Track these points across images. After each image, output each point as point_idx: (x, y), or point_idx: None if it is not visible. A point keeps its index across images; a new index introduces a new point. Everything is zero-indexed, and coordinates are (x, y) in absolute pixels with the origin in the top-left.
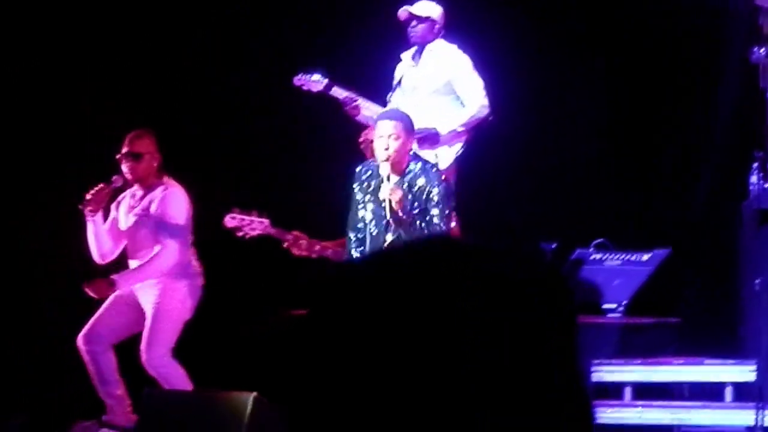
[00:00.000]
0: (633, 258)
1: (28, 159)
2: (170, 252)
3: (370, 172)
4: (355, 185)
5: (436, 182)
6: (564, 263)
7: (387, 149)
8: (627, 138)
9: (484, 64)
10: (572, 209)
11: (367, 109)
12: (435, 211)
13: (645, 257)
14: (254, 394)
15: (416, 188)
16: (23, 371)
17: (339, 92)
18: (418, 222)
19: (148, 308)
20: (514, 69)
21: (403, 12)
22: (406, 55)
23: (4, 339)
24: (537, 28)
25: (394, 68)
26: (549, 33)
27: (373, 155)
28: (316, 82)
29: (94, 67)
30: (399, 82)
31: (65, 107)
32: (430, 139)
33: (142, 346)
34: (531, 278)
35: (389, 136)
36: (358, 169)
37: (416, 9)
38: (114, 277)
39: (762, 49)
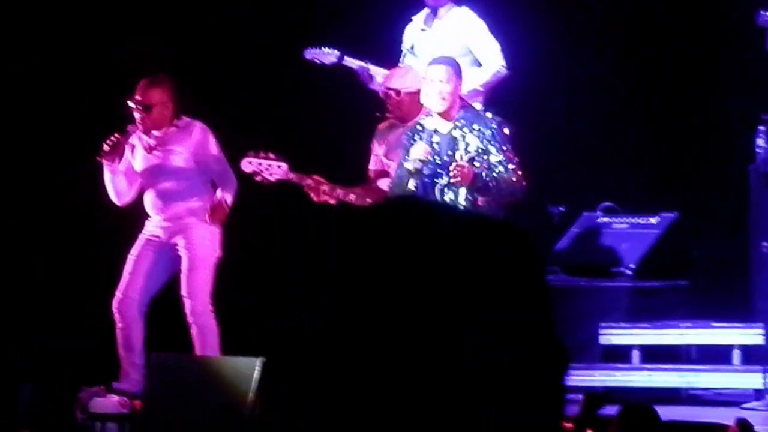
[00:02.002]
0: (641, 221)
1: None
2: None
3: (419, 125)
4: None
5: (493, 125)
6: (571, 226)
7: (443, 98)
8: (634, 101)
9: (495, 25)
10: (580, 173)
11: (380, 75)
12: (497, 156)
13: (653, 220)
14: (261, 358)
15: (475, 131)
16: (29, 341)
17: (352, 62)
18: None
19: (185, 254)
20: (525, 29)
21: None
22: (418, 19)
23: (9, 309)
24: None
25: (402, 32)
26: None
27: (396, 106)
28: (327, 54)
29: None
30: (412, 48)
31: (80, 47)
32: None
33: (186, 294)
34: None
35: (440, 80)
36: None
37: None
38: None
39: None
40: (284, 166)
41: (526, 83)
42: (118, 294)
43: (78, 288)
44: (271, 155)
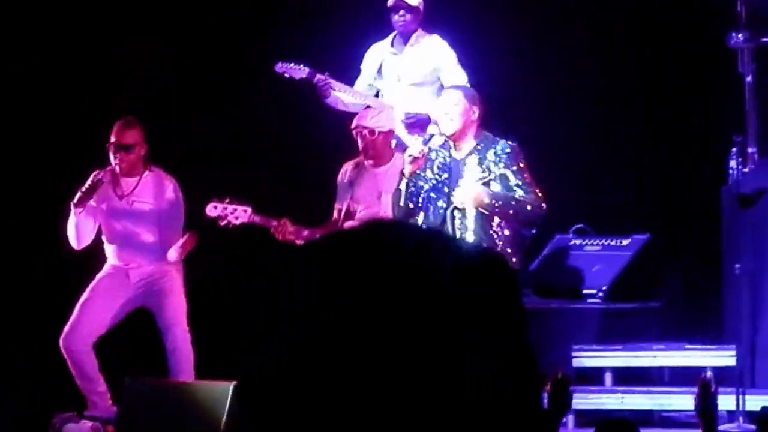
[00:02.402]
0: (613, 243)
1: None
2: (159, 235)
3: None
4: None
5: (507, 149)
6: (542, 249)
7: (452, 119)
8: (606, 124)
9: (465, 51)
10: (551, 195)
11: (340, 91)
12: (515, 180)
13: (625, 242)
14: (234, 383)
15: (488, 160)
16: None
17: (319, 77)
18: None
19: (156, 290)
20: (496, 54)
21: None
22: (386, 42)
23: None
24: (517, 18)
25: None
26: (530, 20)
27: (363, 142)
28: (298, 69)
29: (77, 55)
30: (379, 69)
31: (47, 96)
32: (421, 124)
33: (165, 323)
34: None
35: (452, 103)
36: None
37: None
38: None
39: (740, 34)
40: (248, 209)
41: (494, 106)
42: (67, 328)
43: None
44: (236, 200)
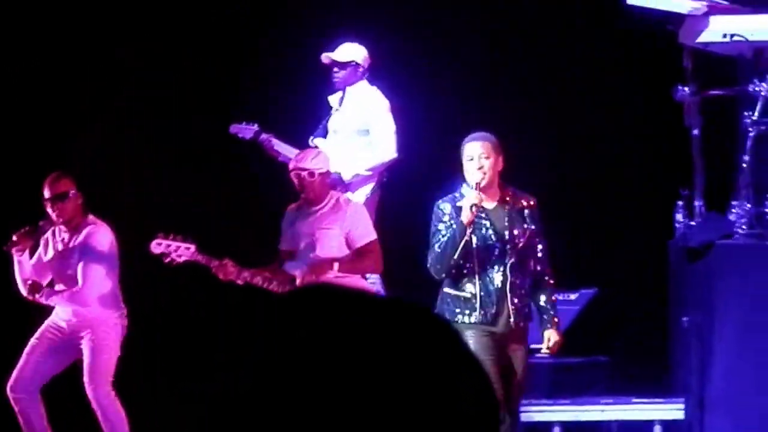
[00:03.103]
0: (560, 298)
1: None
2: (92, 284)
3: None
4: (442, 223)
5: (531, 202)
6: None
7: (481, 168)
8: (552, 177)
9: (409, 101)
10: None
11: (282, 150)
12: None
13: (572, 297)
14: None
15: (522, 209)
16: None
17: (263, 137)
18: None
19: (87, 343)
20: (440, 103)
21: (325, 58)
22: (333, 99)
23: None
24: (462, 71)
25: (316, 110)
26: (476, 71)
27: (302, 184)
28: (249, 129)
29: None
30: (324, 126)
31: None
32: (333, 183)
33: (87, 380)
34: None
35: (480, 155)
36: (444, 206)
37: (337, 55)
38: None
39: (686, 88)
40: (192, 247)
41: (437, 155)
42: (13, 376)
43: None
44: (180, 237)
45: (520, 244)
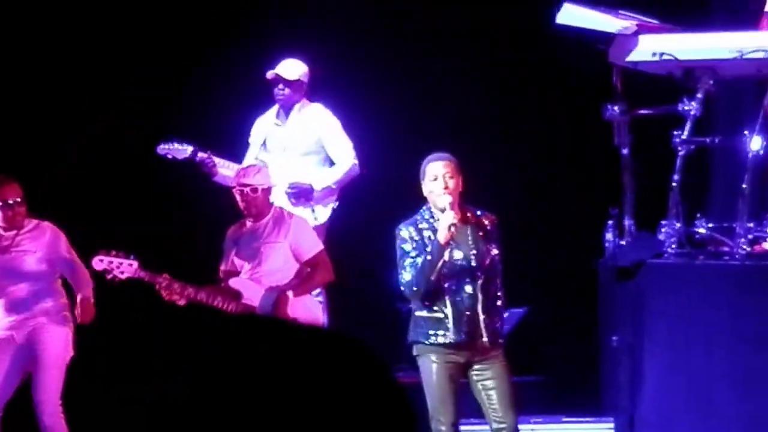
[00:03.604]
0: None
1: None
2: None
3: (426, 225)
4: (408, 244)
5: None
6: None
7: (446, 188)
8: (483, 196)
9: (347, 119)
10: None
11: (224, 168)
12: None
13: (503, 315)
14: None
15: (485, 227)
16: None
17: (201, 155)
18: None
19: (37, 355)
20: (380, 123)
21: (271, 74)
22: (270, 114)
23: None
24: (398, 80)
25: (250, 126)
26: (408, 85)
27: (245, 200)
28: (181, 150)
29: None
30: (264, 142)
31: None
32: (305, 194)
33: (39, 394)
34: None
35: (444, 175)
36: (407, 230)
37: (285, 72)
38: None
39: (615, 107)
40: (135, 264)
41: (380, 173)
42: None
43: None
44: (122, 253)
45: (487, 262)
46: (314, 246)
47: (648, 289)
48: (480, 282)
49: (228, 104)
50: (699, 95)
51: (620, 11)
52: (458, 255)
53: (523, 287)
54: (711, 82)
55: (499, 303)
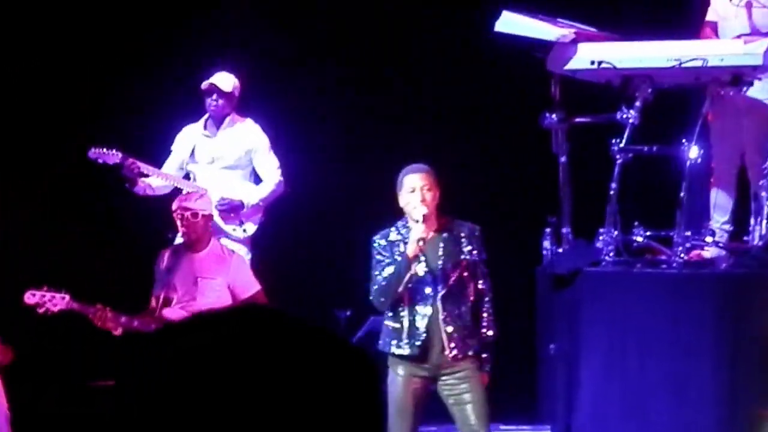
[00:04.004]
0: None
1: None
2: None
3: (399, 236)
4: (380, 255)
5: (473, 231)
6: (358, 331)
7: (424, 201)
8: None
9: (274, 135)
10: (365, 277)
11: (150, 173)
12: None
13: None
14: None
15: (459, 240)
16: None
17: (136, 164)
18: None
19: None
20: (305, 141)
21: (206, 84)
22: (199, 125)
23: None
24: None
25: (174, 135)
26: (334, 107)
27: (184, 225)
28: (111, 155)
29: None
30: (192, 153)
31: None
32: (236, 209)
33: None
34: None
35: (422, 187)
36: (379, 242)
37: (220, 83)
38: None
39: (553, 115)
40: (66, 296)
41: (308, 189)
42: None
43: None
44: (52, 289)
45: (454, 276)
46: (252, 285)
47: (585, 297)
48: (442, 294)
49: (153, 112)
50: (637, 104)
51: (558, 19)
52: (423, 268)
53: None
54: (649, 90)
55: (468, 316)
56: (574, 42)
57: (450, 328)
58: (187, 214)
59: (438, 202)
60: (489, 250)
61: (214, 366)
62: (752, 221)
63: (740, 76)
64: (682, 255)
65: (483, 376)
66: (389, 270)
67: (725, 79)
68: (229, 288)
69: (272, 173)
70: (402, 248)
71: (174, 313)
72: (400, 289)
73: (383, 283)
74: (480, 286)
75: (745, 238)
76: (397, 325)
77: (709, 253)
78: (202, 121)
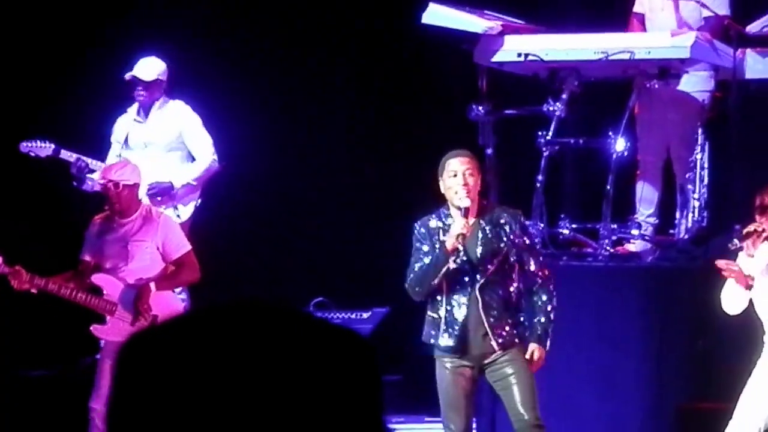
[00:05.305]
0: (353, 316)
1: None
2: None
3: (440, 224)
4: (419, 243)
5: (513, 213)
6: None
7: (466, 185)
8: (345, 197)
9: (208, 115)
10: (292, 268)
11: (94, 167)
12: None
13: (365, 315)
14: None
15: (500, 226)
16: None
17: (68, 155)
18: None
19: None
20: (245, 123)
21: (128, 76)
22: (131, 111)
23: None
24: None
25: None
26: (279, 83)
27: (109, 196)
28: (43, 147)
29: None
30: (126, 140)
31: None
32: (165, 192)
33: None
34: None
35: (464, 171)
36: (419, 229)
37: (142, 73)
38: None
39: (480, 107)
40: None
41: (240, 175)
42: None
43: None
44: None
45: (494, 264)
46: (182, 246)
47: None
48: (481, 283)
49: (92, 103)
50: (564, 96)
51: (486, 11)
52: (461, 256)
53: (386, 287)
54: (576, 83)
55: (512, 304)
56: (501, 34)
57: (491, 317)
58: (110, 185)
59: (480, 188)
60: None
61: (213, 361)
62: (678, 214)
63: (667, 69)
64: (608, 248)
65: (540, 351)
66: (426, 260)
67: (652, 72)
68: (159, 249)
69: (204, 151)
70: (442, 236)
71: (101, 279)
72: (436, 281)
73: (419, 273)
74: (532, 268)
75: (671, 231)
76: (436, 316)
77: (635, 246)
78: (134, 108)
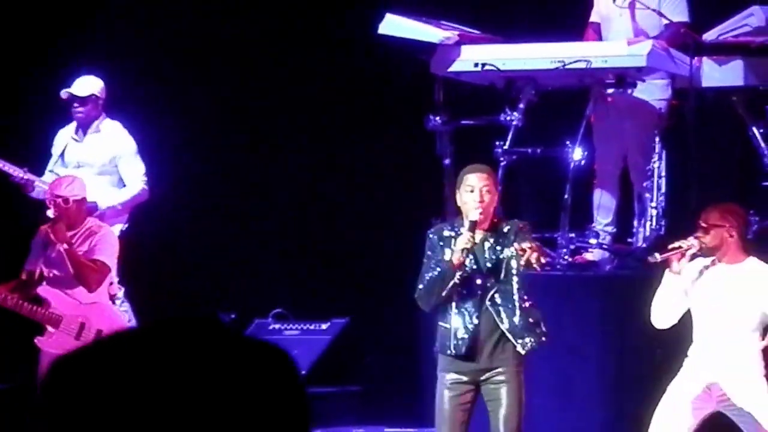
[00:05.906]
0: (312, 327)
1: None
2: None
3: (452, 233)
4: (430, 251)
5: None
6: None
7: (482, 201)
8: (303, 208)
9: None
10: (250, 279)
11: (38, 183)
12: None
13: (324, 326)
14: None
15: (505, 236)
16: None
17: (10, 168)
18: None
19: None
20: (185, 140)
21: (64, 93)
22: (70, 128)
23: None
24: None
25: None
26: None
27: (59, 210)
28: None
29: None
30: (62, 155)
31: None
32: (90, 213)
33: None
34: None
35: (482, 188)
36: (432, 237)
37: (77, 90)
38: None
39: (437, 117)
40: None
41: (189, 188)
42: None
43: None
44: None
45: (502, 274)
46: (103, 254)
47: None
48: (490, 294)
49: (38, 119)
50: (521, 105)
51: (442, 21)
52: (471, 267)
53: (345, 297)
54: (533, 92)
55: (521, 312)
56: (458, 44)
57: (502, 327)
58: (59, 200)
59: (495, 206)
60: (374, 253)
61: (135, 380)
62: (636, 223)
63: (624, 78)
64: (566, 257)
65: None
66: (434, 272)
67: (609, 81)
68: (88, 249)
69: (135, 179)
70: (454, 245)
71: (48, 291)
72: (444, 293)
73: (428, 285)
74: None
75: (629, 239)
76: (446, 326)
77: (593, 255)
78: (74, 125)
